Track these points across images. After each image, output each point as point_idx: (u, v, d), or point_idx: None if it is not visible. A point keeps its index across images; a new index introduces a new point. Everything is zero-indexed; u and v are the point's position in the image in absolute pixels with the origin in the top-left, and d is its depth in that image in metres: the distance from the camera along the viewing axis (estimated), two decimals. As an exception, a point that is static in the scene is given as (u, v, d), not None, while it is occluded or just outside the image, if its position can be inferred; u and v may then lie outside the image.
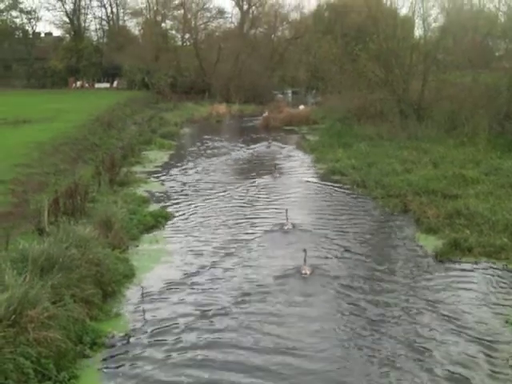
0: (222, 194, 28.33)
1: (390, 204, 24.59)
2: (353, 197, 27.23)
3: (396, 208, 24.13)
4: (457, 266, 17.59)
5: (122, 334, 13.14)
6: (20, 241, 15.29)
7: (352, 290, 15.92)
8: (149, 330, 13.56)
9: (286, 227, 21.65)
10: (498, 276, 16.61)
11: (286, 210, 22.22)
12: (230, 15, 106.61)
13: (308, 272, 16.94)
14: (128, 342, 12.93)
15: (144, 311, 14.54)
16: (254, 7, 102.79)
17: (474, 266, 17.47)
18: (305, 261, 17.13)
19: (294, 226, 21.79)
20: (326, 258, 18.56)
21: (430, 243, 19.42)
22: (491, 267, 17.24)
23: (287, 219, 21.88)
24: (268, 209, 25.21)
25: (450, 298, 15.17)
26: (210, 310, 14.69)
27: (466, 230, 19.70)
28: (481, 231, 19.49)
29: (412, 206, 23.45)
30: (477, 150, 32.63)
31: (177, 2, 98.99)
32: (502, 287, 15.86)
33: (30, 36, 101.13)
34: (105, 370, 11.95)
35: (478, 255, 18.02)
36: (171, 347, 12.79)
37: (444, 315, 14.07)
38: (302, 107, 69.23)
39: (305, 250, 17.22)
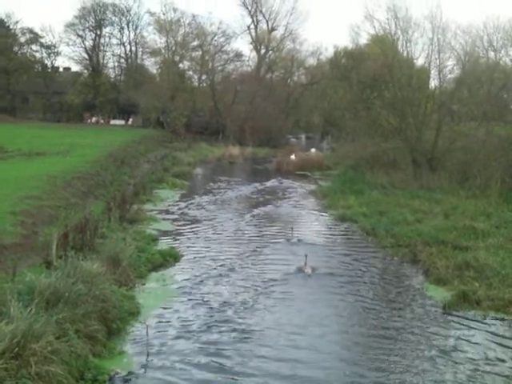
0: (232, 234, 28.44)
1: (400, 253, 24.45)
2: (362, 245, 27.09)
3: (405, 258, 23.99)
4: (464, 318, 17.37)
5: (124, 373, 13.02)
6: (27, 273, 15.30)
7: (356, 334, 15.92)
8: (152, 370, 13.45)
9: (292, 240, 26.42)
10: (506, 331, 16.43)
11: (292, 228, 27.28)
12: (247, 58, 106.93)
13: (309, 271, 20.99)
14: (130, 381, 12.80)
15: (148, 350, 14.43)
16: (271, 52, 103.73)
17: (482, 319, 17.29)
18: (305, 263, 21.21)
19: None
20: (334, 299, 18.56)
21: (439, 294, 19.28)
22: (499, 322, 17.08)
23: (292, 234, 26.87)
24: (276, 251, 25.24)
25: (454, 350, 15.00)
26: (216, 348, 14.68)
27: (475, 282, 19.56)
28: (490, 284, 19.34)
29: (421, 256, 23.33)
30: (488, 202, 32.57)
31: (195, 44, 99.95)
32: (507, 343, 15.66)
33: (49, 70, 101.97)
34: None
35: (487, 308, 17.85)
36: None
37: (446, 368, 13.93)
38: (313, 150, 69.66)
39: (306, 255, 21.40)
